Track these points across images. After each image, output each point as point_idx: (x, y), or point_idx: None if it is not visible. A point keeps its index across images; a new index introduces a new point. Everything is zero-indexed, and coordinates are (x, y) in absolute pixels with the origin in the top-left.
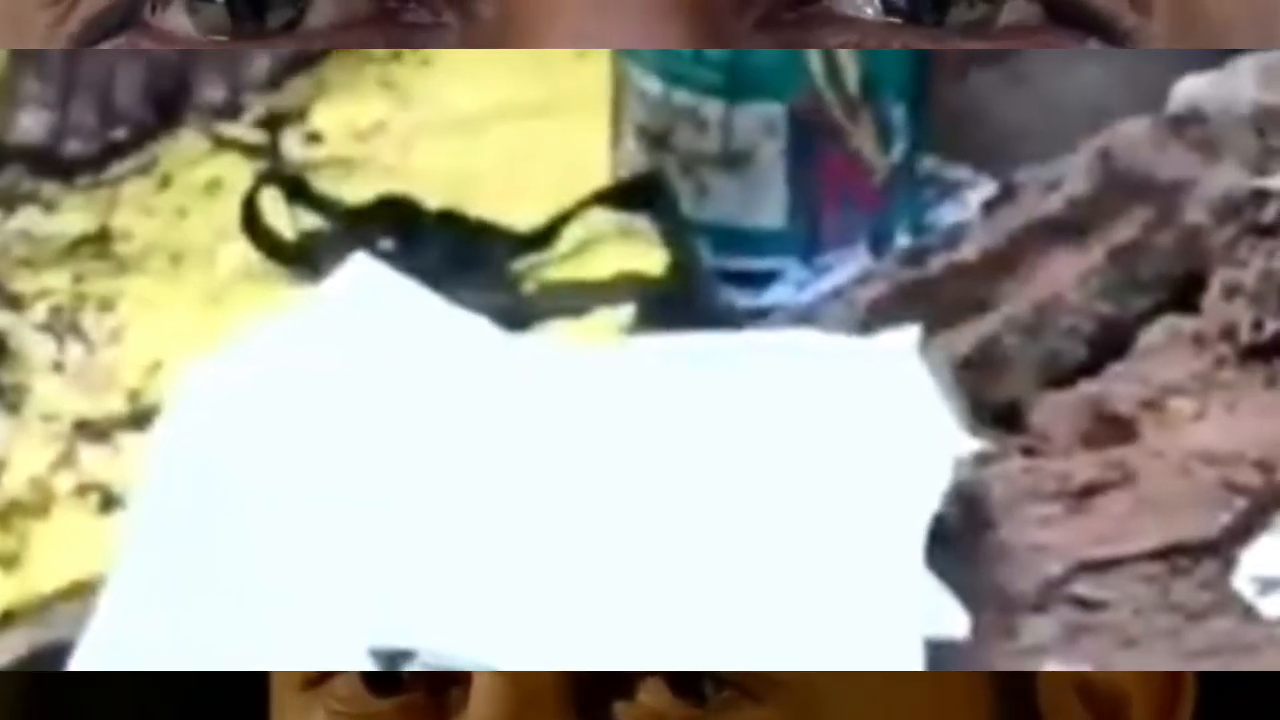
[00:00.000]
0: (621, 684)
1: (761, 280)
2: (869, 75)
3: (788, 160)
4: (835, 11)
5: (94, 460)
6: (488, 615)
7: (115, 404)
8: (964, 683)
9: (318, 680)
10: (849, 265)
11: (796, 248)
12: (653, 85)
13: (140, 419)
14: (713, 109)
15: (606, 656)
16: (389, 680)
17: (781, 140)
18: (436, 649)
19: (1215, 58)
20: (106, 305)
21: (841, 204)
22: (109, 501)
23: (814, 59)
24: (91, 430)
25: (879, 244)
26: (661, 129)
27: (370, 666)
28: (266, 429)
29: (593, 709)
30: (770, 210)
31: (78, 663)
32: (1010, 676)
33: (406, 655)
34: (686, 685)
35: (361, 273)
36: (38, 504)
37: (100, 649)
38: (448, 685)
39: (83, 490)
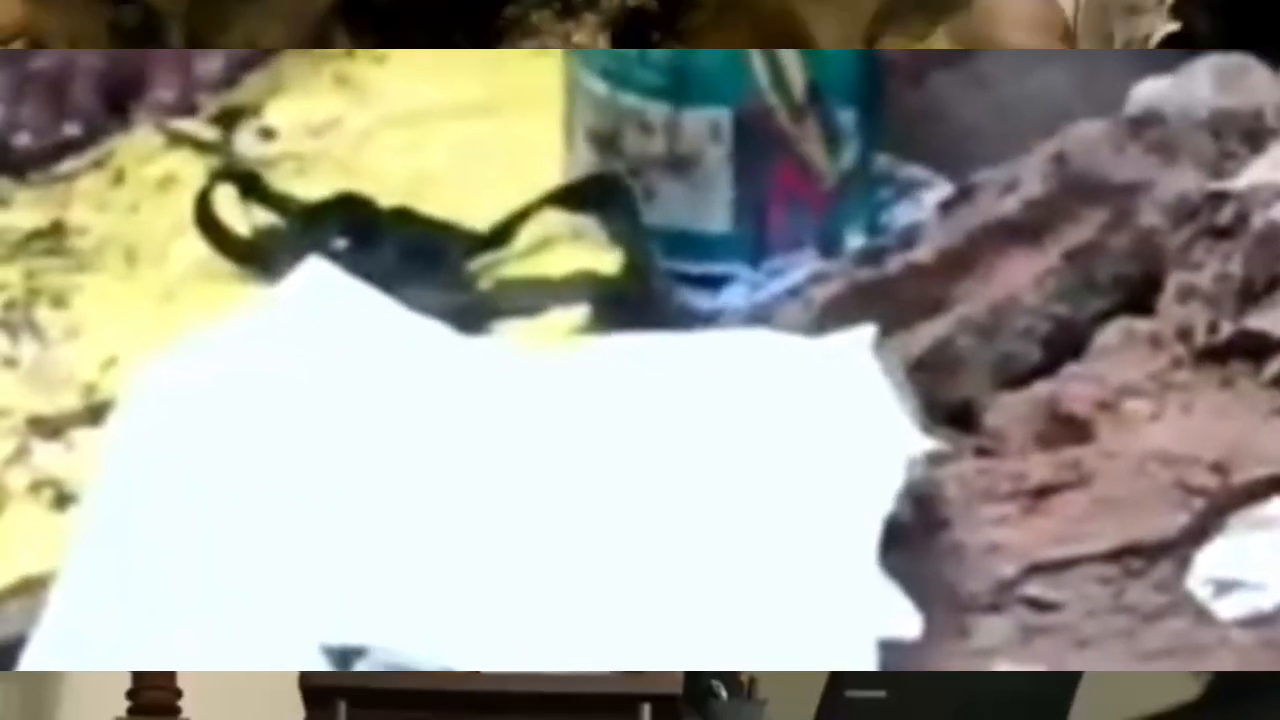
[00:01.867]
0: None
1: (714, 283)
2: (816, 80)
3: (734, 165)
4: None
5: (48, 457)
6: (440, 615)
7: (70, 400)
8: None
9: None
10: (799, 269)
11: (744, 252)
12: (599, 86)
13: (95, 415)
14: (658, 112)
15: (558, 656)
16: None
17: (727, 145)
18: (389, 647)
19: (1173, 60)
20: (61, 301)
21: (789, 208)
22: (62, 498)
23: (758, 64)
24: (46, 427)
25: (828, 248)
26: (609, 131)
27: (323, 665)
28: (220, 429)
29: None
30: (717, 214)
31: (29, 662)
32: None
33: (359, 653)
34: None
35: (316, 276)
36: None
37: (51, 647)
38: None
39: (36, 487)
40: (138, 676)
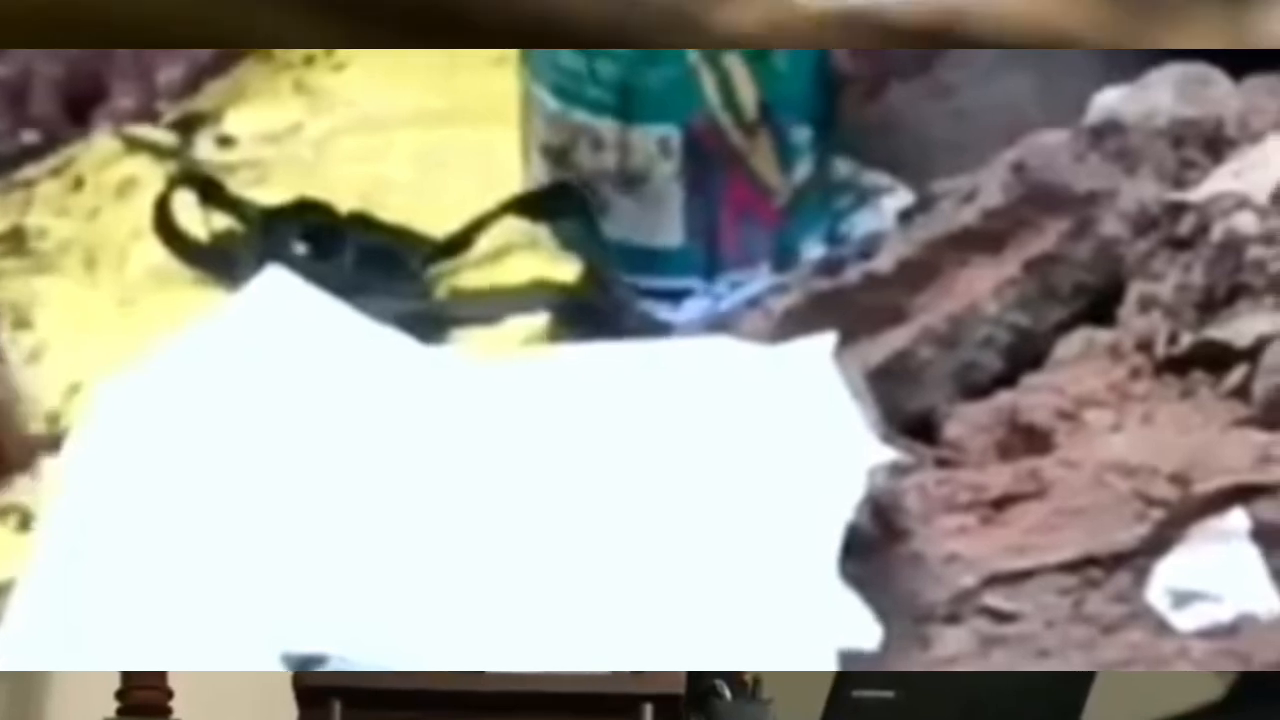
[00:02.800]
0: None
1: (672, 296)
2: (767, 97)
3: (684, 181)
4: None
5: (15, 485)
6: (396, 620)
7: (35, 427)
8: None
9: None
10: (756, 282)
11: (697, 267)
12: (550, 102)
13: (59, 442)
14: (608, 129)
15: (520, 658)
16: None
17: (677, 161)
18: (346, 653)
19: (1134, 67)
20: (23, 321)
21: (741, 224)
22: (26, 521)
23: (708, 82)
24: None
25: (783, 263)
26: (562, 146)
27: (281, 668)
28: (178, 438)
29: None
30: (669, 230)
31: None
32: None
33: (318, 659)
34: None
35: (274, 285)
36: None
37: (5, 652)
38: None
39: (3, 513)
40: (127, 677)
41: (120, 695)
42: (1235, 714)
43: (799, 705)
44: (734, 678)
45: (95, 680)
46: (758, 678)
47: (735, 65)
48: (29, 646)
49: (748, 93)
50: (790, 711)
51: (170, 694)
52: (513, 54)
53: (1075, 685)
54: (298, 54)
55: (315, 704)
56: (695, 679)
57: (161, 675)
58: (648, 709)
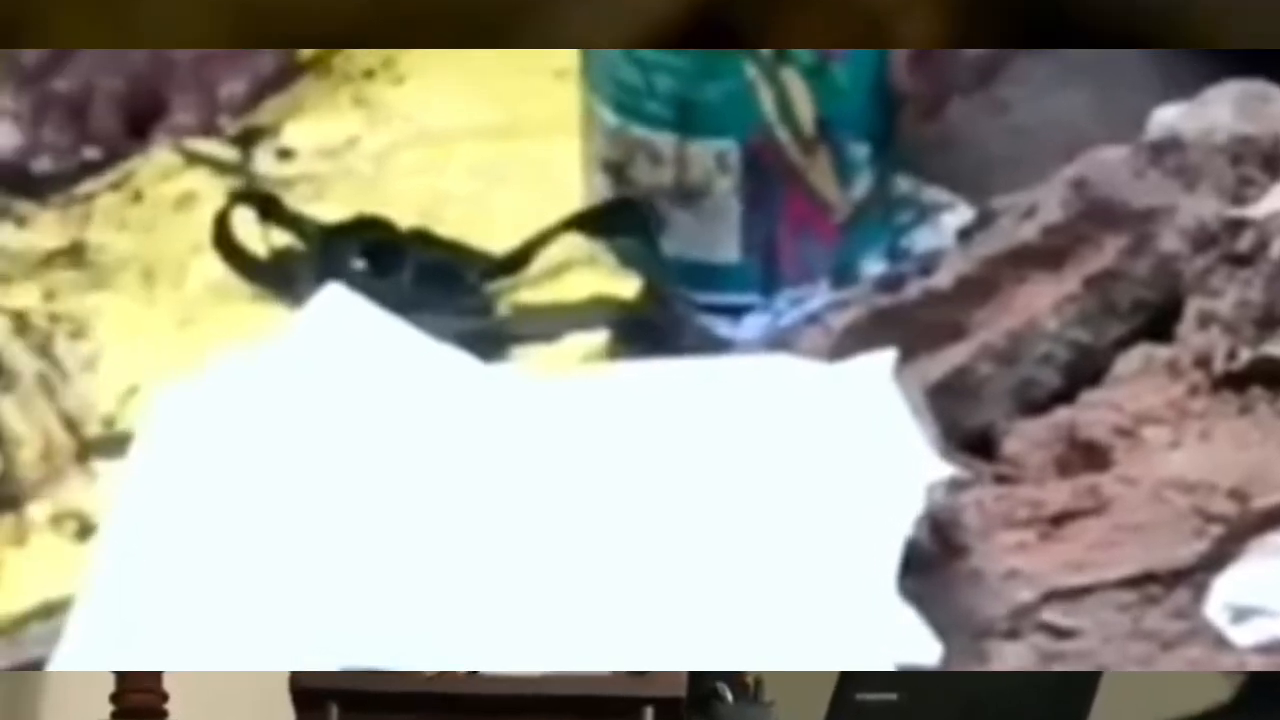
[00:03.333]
0: None
1: (731, 311)
2: (825, 113)
3: (742, 197)
4: None
5: (71, 488)
6: (456, 629)
7: (92, 430)
8: None
9: None
10: (816, 298)
11: (756, 283)
12: (610, 117)
13: (116, 446)
14: (666, 143)
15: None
16: None
17: (735, 176)
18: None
19: (1193, 85)
20: (80, 330)
21: (800, 240)
22: (85, 530)
23: (765, 97)
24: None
25: (842, 279)
26: (620, 161)
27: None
28: (239, 456)
29: None
30: (727, 246)
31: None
32: None
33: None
34: None
35: (335, 303)
36: (15, 533)
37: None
38: None
39: (58, 519)
40: (121, 678)
41: (115, 698)
42: (1244, 715)
43: (801, 708)
44: (736, 679)
45: (90, 681)
46: (759, 679)
47: (793, 80)
48: (92, 649)
49: (805, 108)
50: (792, 714)
51: (165, 696)
52: (574, 66)
53: (1081, 687)
54: (357, 67)
55: (312, 707)
56: (696, 681)
57: (156, 677)
58: (649, 711)
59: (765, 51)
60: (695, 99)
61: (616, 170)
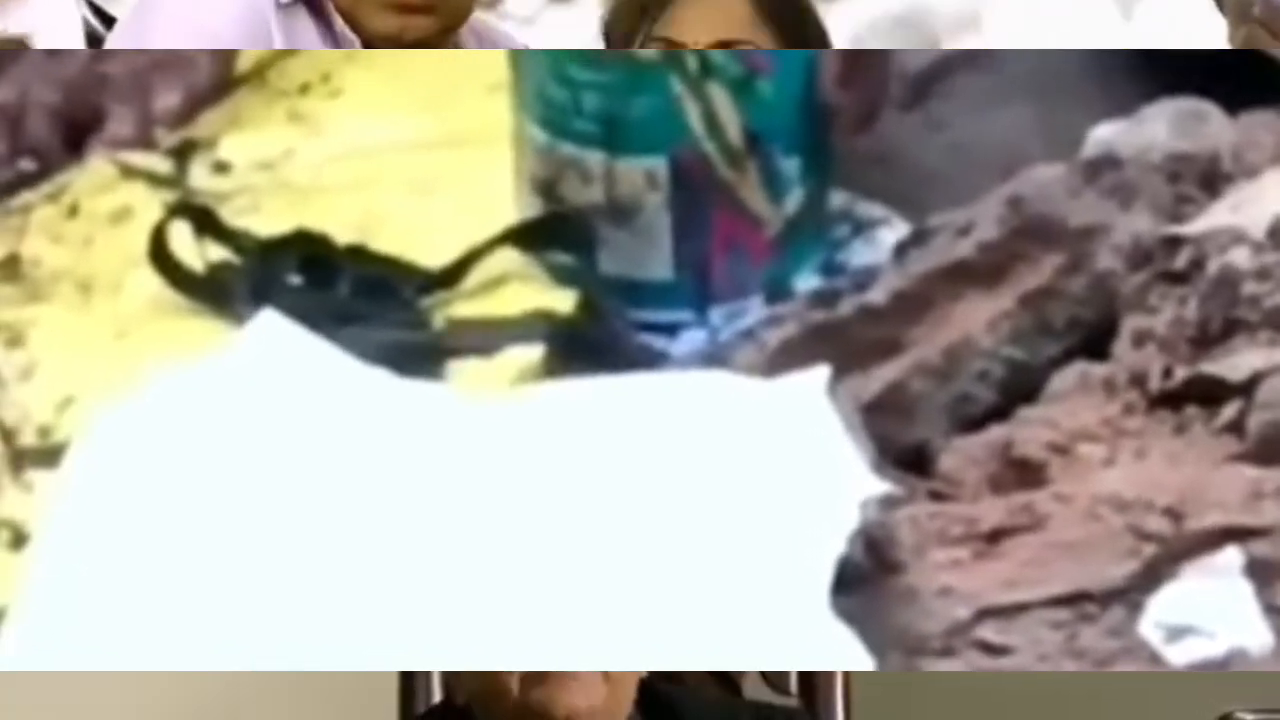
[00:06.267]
0: None
1: (664, 329)
2: (754, 127)
3: (672, 213)
4: None
5: (6, 497)
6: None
7: (27, 440)
8: None
9: None
10: (750, 314)
11: (688, 299)
12: (539, 135)
13: (51, 456)
14: (595, 161)
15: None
16: None
17: (665, 193)
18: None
19: (1130, 102)
20: (16, 339)
21: (731, 255)
22: (19, 539)
23: (691, 111)
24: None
25: (775, 295)
26: (549, 178)
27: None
28: (172, 472)
29: None
30: (659, 262)
31: None
32: None
33: None
34: None
35: (271, 328)
36: None
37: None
38: None
39: None
40: None
41: None
42: None
43: None
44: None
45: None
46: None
47: (718, 94)
48: (31, 651)
49: (732, 122)
50: None
51: None
52: (505, 81)
53: None
54: (293, 82)
55: None
56: None
57: None
58: None
59: (691, 64)
60: (622, 116)
61: (547, 188)
